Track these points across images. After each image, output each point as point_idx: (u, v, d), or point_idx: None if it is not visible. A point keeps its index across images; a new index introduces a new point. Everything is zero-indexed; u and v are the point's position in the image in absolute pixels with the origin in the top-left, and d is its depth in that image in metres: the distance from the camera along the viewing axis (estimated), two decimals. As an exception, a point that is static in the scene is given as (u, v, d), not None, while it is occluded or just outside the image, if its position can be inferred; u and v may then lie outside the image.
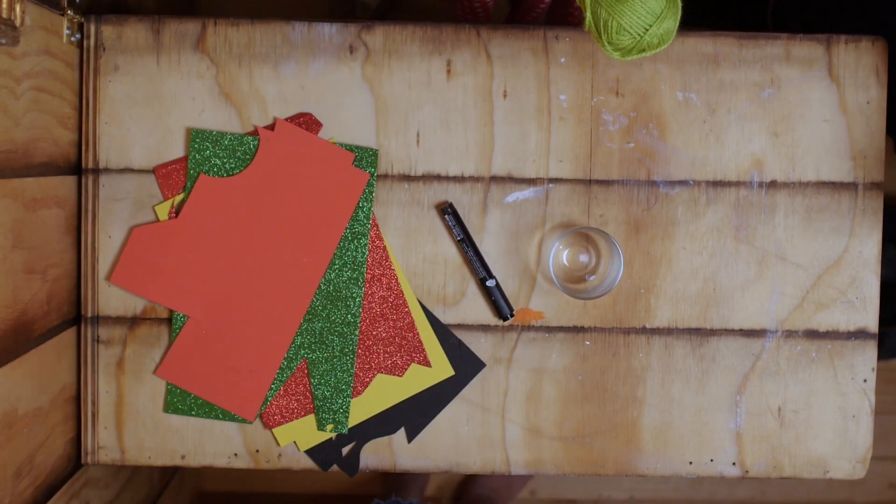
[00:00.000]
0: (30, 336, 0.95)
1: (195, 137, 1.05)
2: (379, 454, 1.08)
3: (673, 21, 0.91)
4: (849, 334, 1.07)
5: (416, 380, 1.07)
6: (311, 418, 1.07)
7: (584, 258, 1.07)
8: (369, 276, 1.06)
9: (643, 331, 1.07)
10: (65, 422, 1.04)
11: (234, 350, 1.05)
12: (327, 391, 1.06)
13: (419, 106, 1.05)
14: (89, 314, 1.06)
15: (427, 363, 1.07)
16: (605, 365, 1.07)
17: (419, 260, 1.07)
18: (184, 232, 1.05)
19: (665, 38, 0.92)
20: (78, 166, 1.06)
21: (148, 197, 1.05)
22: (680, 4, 0.92)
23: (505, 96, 1.05)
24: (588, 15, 0.90)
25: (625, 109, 1.06)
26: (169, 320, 1.06)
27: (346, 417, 1.07)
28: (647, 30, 0.89)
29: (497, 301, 1.06)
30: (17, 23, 0.88)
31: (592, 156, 1.06)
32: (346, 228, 1.05)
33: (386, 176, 1.06)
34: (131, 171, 1.05)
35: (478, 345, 1.07)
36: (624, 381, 1.08)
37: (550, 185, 1.06)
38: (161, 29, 1.05)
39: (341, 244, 1.05)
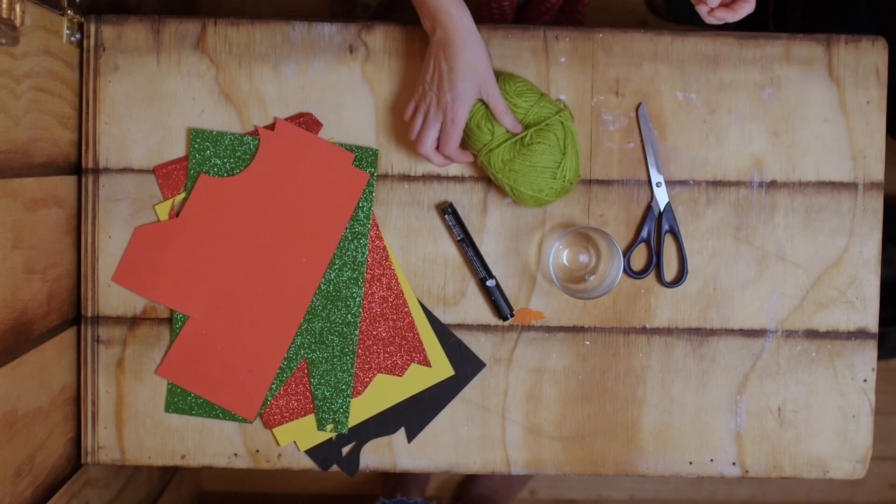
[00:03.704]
0: (30, 336, 0.95)
1: (195, 137, 1.05)
2: (379, 454, 1.08)
3: (571, 171, 0.99)
4: (849, 334, 1.07)
5: (416, 380, 1.07)
6: (311, 418, 1.07)
7: (584, 258, 1.07)
8: (369, 276, 1.06)
9: (643, 331, 1.07)
10: (65, 422, 1.04)
11: (234, 350, 1.05)
12: (327, 391, 1.06)
13: (419, 106, 1.05)
14: (89, 314, 1.06)
15: (427, 363, 1.07)
16: (605, 365, 1.07)
17: (419, 260, 1.07)
18: (184, 232, 1.05)
19: (567, 188, 1.00)
20: (78, 166, 1.06)
21: (148, 197, 1.05)
22: (577, 152, 0.99)
23: (505, 96, 1.05)
24: (500, 178, 0.99)
25: (625, 109, 1.06)
26: (169, 320, 1.06)
27: (346, 417, 1.07)
28: (541, 190, 0.99)
29: (497, 301, 1.06)
30: (17, 23, 0.88)
31: (592, 156, 1.06)
32: (346, 228, 1.05)
33: (386, 176, 1.06)
34: (131, 171, 1.06)
35: (478, 345, 1.07)
36: (624, 381, 1.08)
37: (550, 185, 1.06)
38: (161, 29, 1.05)
39: (341, 244, 1.05)
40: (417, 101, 0.97)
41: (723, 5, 0.92)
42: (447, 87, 0.93)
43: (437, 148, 0.97)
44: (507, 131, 0.97)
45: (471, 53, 0.92)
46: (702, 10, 0.92)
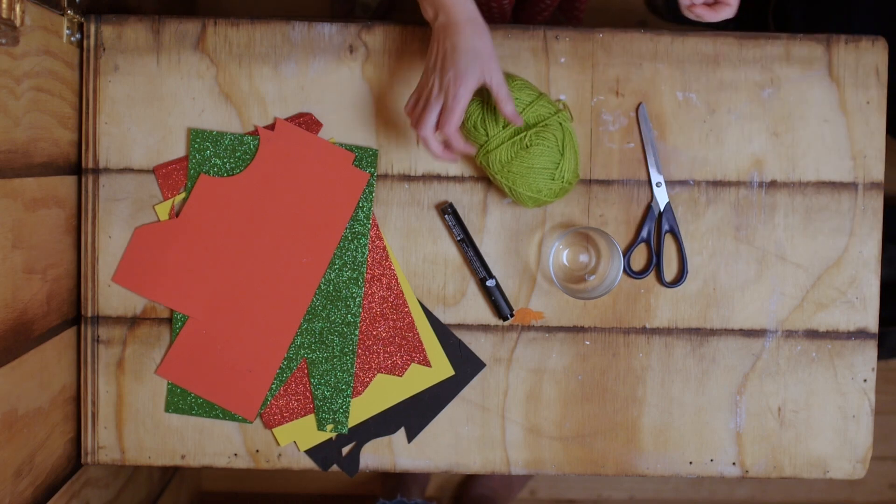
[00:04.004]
0: (30, 336, 0.95)
1: (195, 137, 1.05)
2: (379, 454, 1.08)
3: (570, 172, 0.99)
4: (849, 334, 1.07)
5: (416, 380, 1.07)
6: (311, 418, 1.07)
7: (584, 258, 1.07)
8: (369, 276, 1.06)
9: (643, 331, 1.07)
10: (65, 422, 1.04)
11: (234, 350, 1.05)
12: (327, 391, 1.06)
13: (419, 106, 1.05)
14: (89, 314, 1.06)
15: (427, 363, 1.07)
16: (605, 365, 1.07)
17: (419, 260, 1.07)
18: (184, 232, 1.05)
19: (566, 188, 1.00)
20: (78, 166, 1.06)
21: (148, 197, 1.05)
22: (575, 152, 0.99)
23: (505, 96, 1.05)
24: (499, 179, 0.99)
25: (625, 109, 1.06)
26: (169, 320, 1.06)
27: (346, 417, 1.07)
28: (540, 191, 0.99)
29: (497, 301, 1.06)
30: (17, 23, 0.88)
31: (592, 156, 1.06)
32: (346, 228, 1.05)
33: (386, 176, 1.06)
34: (131, 171, 1.06)
35: (478, 345, 1.07)
36: (624, 381, 1.07)
37: (550, 185, 1.06)
38: (161, 29, 1.05)
39: (341, 244, 1.05)
40: (419, 89, 0.95)
41: (705, 4, 0.92)
42: (449, 64, 0.91)
43: (438, 128, 0.93)
44: (507, 120, 0.95)
45: (473, 34, 0.91)
46: (684, 1, 0.92)
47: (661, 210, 1.05)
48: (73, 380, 1.07)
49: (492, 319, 1.07)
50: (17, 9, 0.88)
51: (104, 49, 1.05)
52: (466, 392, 1.07)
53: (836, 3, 1.48)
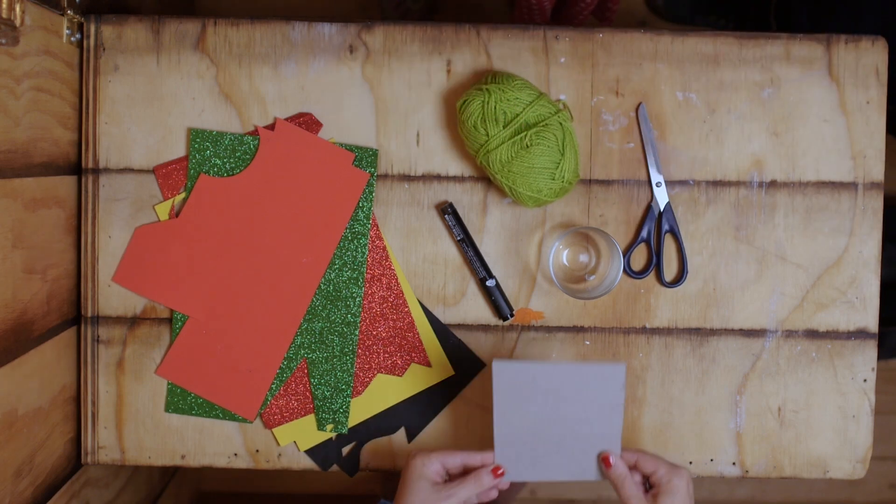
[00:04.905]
0: (30, 336, 0.95)
1: (195, 137, 1.05)
2: (379, 454, 1.08)
3: (570, 172, 0.99)
4: (849, 334, 1.07)
5: (416, 380, 1.07)
6: (311, 418, 1.07)
7: (584, 258, 1.07)
8: (369, 276, 1.06)
9: (643, 331, 1.07)
10: (65, 422, 1.04)
11: (234, 350, 1.05)
12: (327, 391, 1.06)
13: (419, 106, 1.05)
14: (89, 314, 1.06)
15: (427, 363, 1.07)
16: (605, 365, 1.07)
17: (419, 260, 1.07)
18: (184, 232, 1.05)
19: (566, 188, 1.00)
20: (78, 166, 1.06)
21: (148, 197, 1.05)
22: (575, 152, 0.99)
23: (505, 96, 1.05)
24: (499, 178, 0.99)
25: (625, 109, 1.06)
26: (169, 320, 1.06)
27: (346, 417, 1.07)
28: (540, 191, 0.98)
29: (497, 301, 1.06)
30: (17, 23, 0.88)
31: (592, 156, 1.06)
32: (346, 228, 1.05)
33: (386, 176, 1.06)
34: (131, 171, 1.06)
35: (478, 345, 1.07)
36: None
37: (550, 185, 1.06)
38: (161, 29, 1.05)
39: (341, 244, 1.05)
40: None
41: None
42: None
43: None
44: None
45: None
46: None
47: (661, 210, 1.05)
48: (73, 380, 1.07)
49: (492, 319, 1.07)
50: (17, 9, 0.88)
51: (104, 49, 1.05)
52: (466, 392, 1.07)
53: (837, 3, 1.48)
